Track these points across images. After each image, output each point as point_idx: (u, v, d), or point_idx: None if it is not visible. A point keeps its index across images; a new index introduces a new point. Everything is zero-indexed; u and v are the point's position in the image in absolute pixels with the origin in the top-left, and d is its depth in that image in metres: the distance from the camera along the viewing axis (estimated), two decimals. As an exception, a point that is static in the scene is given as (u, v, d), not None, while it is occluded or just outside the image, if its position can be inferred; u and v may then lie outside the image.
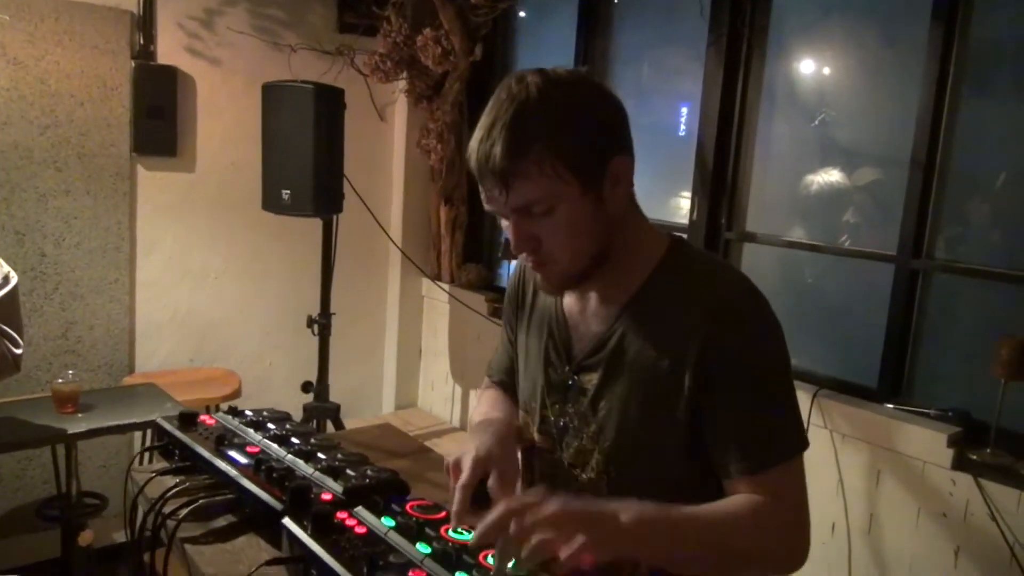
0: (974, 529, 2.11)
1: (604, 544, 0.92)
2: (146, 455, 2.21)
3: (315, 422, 3.24)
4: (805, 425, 1.11)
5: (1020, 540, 2.01)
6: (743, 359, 1.06)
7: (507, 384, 1.38)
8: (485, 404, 1.37)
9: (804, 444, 1.08)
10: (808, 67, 2.75)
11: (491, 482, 1.09)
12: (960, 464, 2.14)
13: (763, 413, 1.06)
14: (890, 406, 2.36)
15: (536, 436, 1.24)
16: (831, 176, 2.68)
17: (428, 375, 4.11)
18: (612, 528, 0.93)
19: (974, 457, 2.12)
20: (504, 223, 1.09)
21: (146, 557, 1.08)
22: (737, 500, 1.05)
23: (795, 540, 1.06)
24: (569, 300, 1.22)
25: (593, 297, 1.18)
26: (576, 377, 1.17)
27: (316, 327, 3.27)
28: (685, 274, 1.12)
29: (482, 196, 1.08)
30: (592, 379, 1.15)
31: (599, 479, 1.15)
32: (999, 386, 2.08)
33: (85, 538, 2.67)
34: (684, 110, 3.13)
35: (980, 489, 2.09)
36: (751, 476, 1.04)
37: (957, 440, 2.17)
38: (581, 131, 1.04)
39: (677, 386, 1.07)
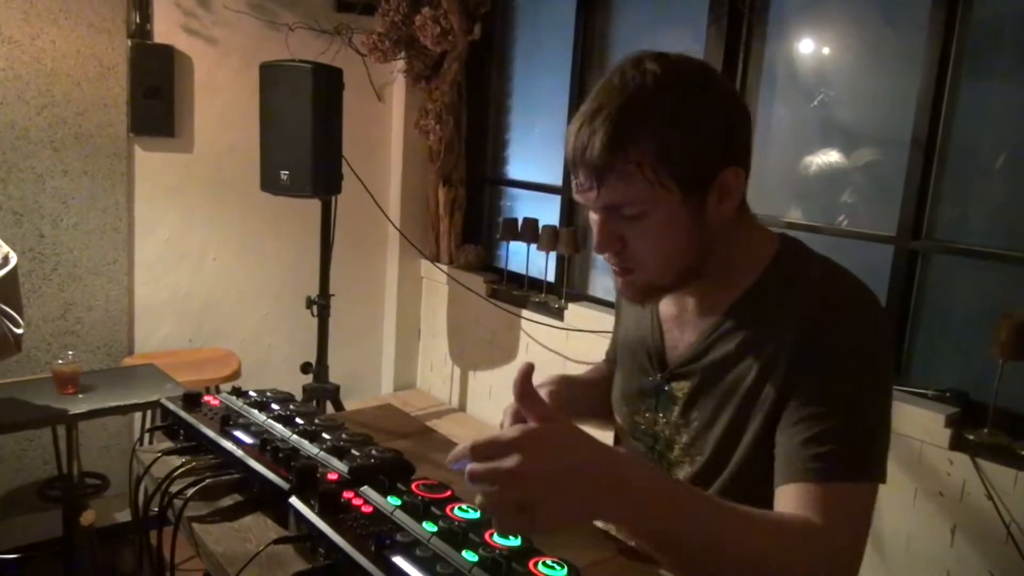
0: (971, 508, 2.13)
1: (578, 512, 0.78)
2: (149, 436, 2.23)
3: (315, 403, 3.25)
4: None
5: (1016, 519, 2.04)
6: (835, 364, 0.94)
7: (614, 363, 1.31)
8: (588, 371, 1.37)
9: (880, 474, 0.96)
10: (808, 47, 2.74)
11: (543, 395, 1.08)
12: (957, 444, 2.15)
13: (843, 425, 0.93)
14: (888, 386, 2.37)
15: (630, 437, 1.19)
16: (830, 157, 2.68)
17: (427, 356, 4.12)
18: (595, 489, 0.78)
19: (971, 437, 2.14)
20: (592, 216, 1.01)
21: (152, 538, 1.09)
22: (792, 513, 0.91)
23: (841, 565, 0.91)
24: (665, 304, 1.15)
25: (691, 304, 1.10)
26: (668, 385, 1.11)
27: (315, 308, 3.28)
28: (790, 282, 1.02)
29: (572, 185, 1.00)
30: (684, 387, 1.08)
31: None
32: (997, 366, 2.09)
33: (87, 518, 2.68)
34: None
35: (977, 469, 2.11)
36: (809, 484, 0.91)
37: (955, 420, 2.19)
38: (693, 135, 0.94)
39: (770, 399, 0.97)
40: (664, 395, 1.11)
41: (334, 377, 3.36)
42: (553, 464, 0.76)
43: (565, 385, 1.23)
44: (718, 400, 1.04)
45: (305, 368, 3.30)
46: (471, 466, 0.77)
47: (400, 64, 3.64)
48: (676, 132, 0.93)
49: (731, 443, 1.02)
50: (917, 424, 2.23)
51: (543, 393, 1.17)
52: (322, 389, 3.28)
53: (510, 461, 0.75)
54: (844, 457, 0.92)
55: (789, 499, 0.92)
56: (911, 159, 2.38)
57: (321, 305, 3.27)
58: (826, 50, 2.72)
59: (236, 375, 3.15)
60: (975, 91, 2.30)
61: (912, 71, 2.37)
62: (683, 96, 0.94)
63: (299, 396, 3.18)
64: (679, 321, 1.12)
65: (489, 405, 3.68)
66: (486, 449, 0.77)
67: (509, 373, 3.58)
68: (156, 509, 1.08)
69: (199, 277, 3.55)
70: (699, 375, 1.06)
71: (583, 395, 1.29)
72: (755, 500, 0.92)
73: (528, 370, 0.82)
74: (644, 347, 1.17)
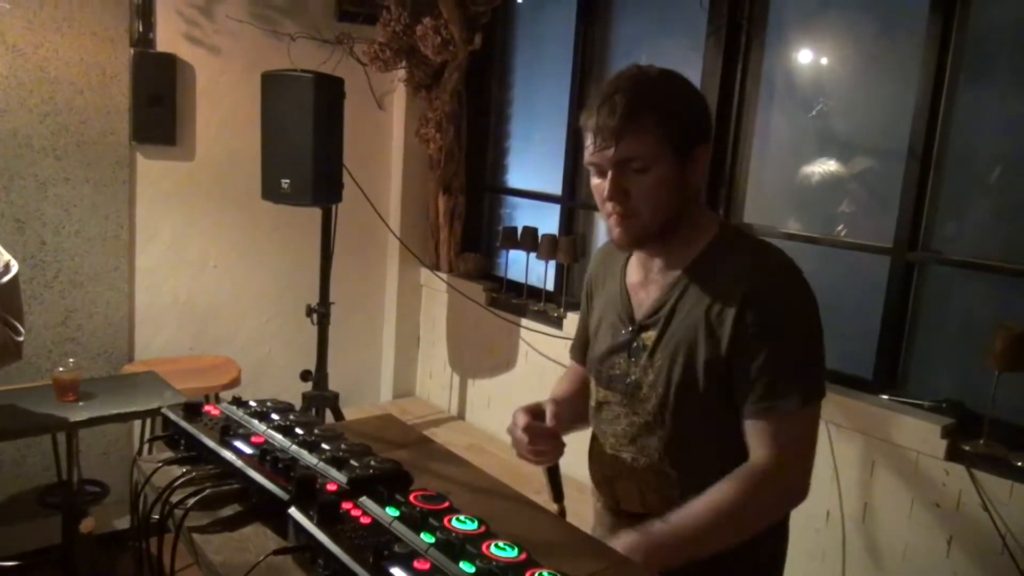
0: (967, 519, 2.14)
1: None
2: (149, 445, 2.24)
3: (314, 410, 3.26)
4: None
5: (1012, 530, 2.04)
6: (776, 315, 1.25)
7: (582, 360, 1.59)
8: (562, 381, 1.65)
9: (820, 392, 1.29)
10: (806, 57, 2.76)
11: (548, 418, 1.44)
12: (953, 455, 2.17)
13: (785, 361, 1.25)
14: (885, 397, 2.39)
15: (605, 392, 1.45)
16: (828, 167, 2.69)
17: (426, 364, 4.13)
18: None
19: (967, 448, 2.15)
20: (596, 181, 1.30)
21: (152, 547, 1.10)
22: (737, 482, 1.25)
23: (795, 492, 1.29)
24: (632, 276, 1.43)
25: (655, 266, 1.38)
26: (639, 336, 1.37)
27: (315, 316, 3.29)
28: (736, 248, 1.33)
29: (587, 154, 1.29)
30: (651, 335, 1.35)
31: (655, 426, 1.35)
32: (993, 377, 2.10)
33: (86, 525, 2.69)
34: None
35: (973, 479, 2.12)
36: (764, 417, 1.25)
37: (951, 431, 2.20)
38: (686, 115, 1.28)
39: (717, 339, 1.26)
40: (636, 345, 1.38)
41: (333, 385, 3.37)
42: None
43: (557, 406, 1.49)
44: (676, 343, 1.32)
45: (305, 376, 3.31)
46: None
47: (401, 73, 3.66)
48: (675, 109, 1.26)
49: (687, 377, 1.30)
50: (914, 434, 2.24)
51: (549, 416, 1.47)
52: (321, 397, 3.29)
53: None
54: (790, 386, 1.25)
55: (750, 432, 1.27)
56: (908, 170, 2.40)
57: (321, 313, 3.28)
58: (824, 61, 2.74)
59: (236, 382, 3.16)
60: (971, 102, 2.32)
61: (909, 82, 2.39)
62: (678, 86, 1.31)
63: (298, 403, 3.22)
64: (644, 283, 1.40)
65: (488, 413, 3.69)
66: None
67: (508, 381, 3.59)
68: (156, 517, 1.09)
69: (199, 284, 3.56)
70: (662, 323, 1.34)
71: (569, 411, 1.53)
72: (702, 414, 1.30)
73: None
74: (615, 311, 1.44)
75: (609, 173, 1.27)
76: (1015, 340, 2.05)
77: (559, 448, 1.45)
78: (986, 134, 2.33)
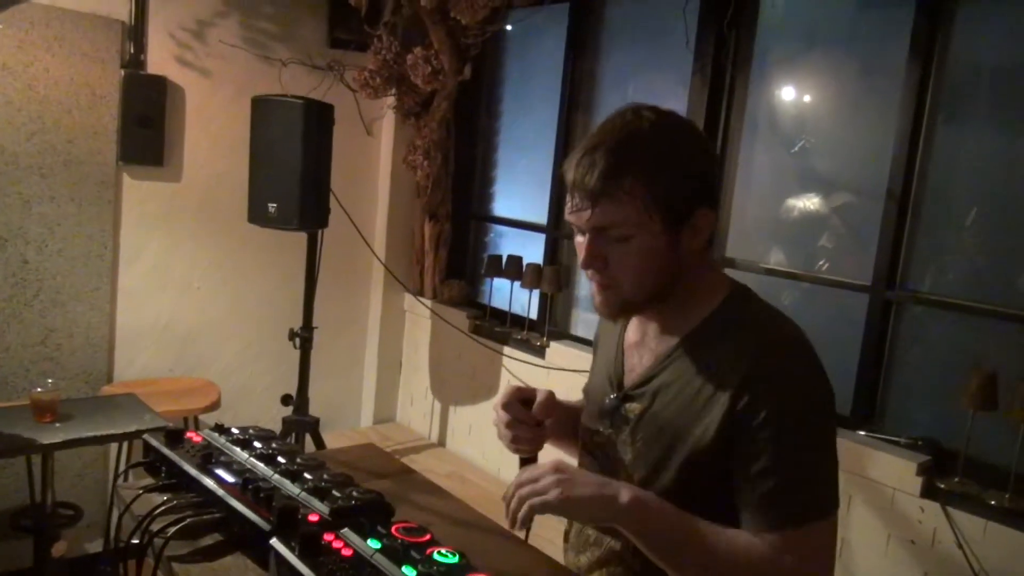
0: (942, 556, 2.15)
1: (577, 504, 1.04)
2: (124, 474, 2.22)
3: (294, 436, 3.24)
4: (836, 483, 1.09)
5: (985, 568, 2.06)
6: (779, 408, 1.04)
7: None
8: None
9: (834, 505, 1.07)
10: (789, 96, 2.82)
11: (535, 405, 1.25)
12: (929, 492, 2.19)
13: (792, 467, 1.04)
14: (862, 433, 2.41)
15: (586, 459, 1.31)
16: (810, 203, 2.74)
17: (408, 390, 4.12)
18: (598, 498, 1.04)
19: (942, 486, 2.17)
20: (577, 239, 1.16)
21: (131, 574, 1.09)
22: (758, 542, 1.04)
23: None
24: (631, 333, 1.27)
25: (651, 332, 1.22)
26: (624, 405, 1.22)
27: (298, 340, 3.28)
28: (739, 321, 1.15)
29: (566, 208, 1.14)
30: (635, 409, 1.20)
31: None
32: (968, 416, 2.13)
33: (58, 549, 2.65)
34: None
35: (948, 517, 2.14)
36: (771, 532, 1.03)
37: (926, 469, 2.22)
38: (679, 174, 1.09)
39: (704, 429, 1.08)
40: (619, 415, 1.22)
41: (314, 409, 3.35)
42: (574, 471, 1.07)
43: (550, 399, 1.31)
44: (659, 427, 1.15)
45: (285, 400, 3.29)
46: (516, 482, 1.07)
47: (390, 100, 3.69)
48: (665, 171, 1.08)
49: (669, 465, 1.13)
50: (890, 471, 2.26)
51: (538, 404, 1.28)
52: (302, 422, 3.27)
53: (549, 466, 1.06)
54: (801, 500, 1.04)
55: (756, 535, 1.05)
56: (886, 209, 2.44)
57: (304, 337, 3.28)
58: (806, 99, 2.80)
59: (216, 405, 3.14)
60: (949, 144, 2.37)
61: (888, 122, 2.45)
62: (673, 142, 1.11)
63: (278, 428, 3.20)
64: (639, 347, 1.24)
65: (469, 441, 3.68)
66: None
67: (489, 409, 3.57)
68: (135, 541, 1.09)
69: (182, 306, 3.55)
70: (648, 398, 1.18)
71: (567, 415, 1.38)
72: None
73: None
74: (608, 371, 1.29)
75: (586, 237, 1.13)
76: (988, 380, 2.09)
77: (539, 440, 1.27)
78: (963, 175, 2.38)
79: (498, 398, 1.27)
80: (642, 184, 1.07)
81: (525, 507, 1.04)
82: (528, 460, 1.28)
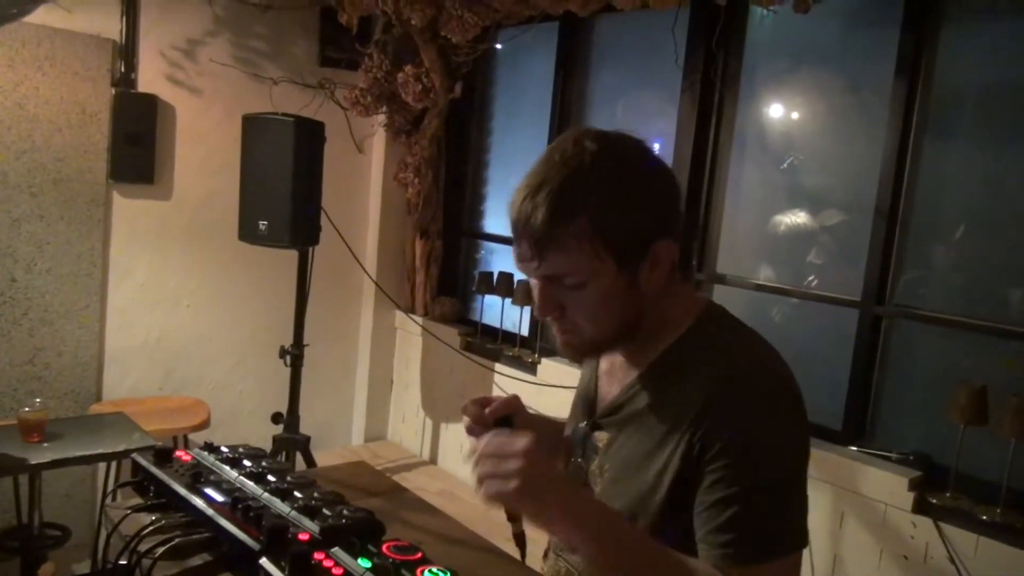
0: (934, 572, 2.15)
1: (533, 502, 0.94)
2: (113, 493, 2.19)
3: (284, 454, 3.22)
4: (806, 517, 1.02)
5: (978, 583, 2.06)
6: (736, 439, 0.97)
7: None
8: None
9: (801, 543, 0.99)
10: (777, 113, 2.84)
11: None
12: (921, 508, 2.19)
13: (750, 502, 0.96)
14: (854, 449, 2.42)
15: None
16: (799, 220, 2.75)
17: (399, 408, 4.10)
18: (553, 497, 0.95)
19: (934, 501, 2.18)
20: (532, 281, 1.06)
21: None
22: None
23: None
24: (603, 360, 1.21)
25: (619, 361, 1.16)
26: (593, 435, 1.16)
27: (288, 357, 3.27)
28: (705, 345, 1.07)
29: (513, 254, 1.05)
30: (604, 438, 1.14)
31: None
32: (958, 431, 2.14)
33: (45, 570, 2.61)
34: (656, 147, 3.20)
35: (940, 532, 2.14)
36: (731, 567, 0.95)
37: (918, 484, 2.23)
38: (629, 212, 0.99)
39: (666, 460, 1.02)
40: (589, 444, 1.17)
41: (305, 428, 3.34)
42: (540, 464, 0.94)
43: (532, 419, 1.26)
44: (623, 457, 1.09)
45: (276, 418, 3.28)
46: (485, 442, 0.96)
47: (381, 118, 3.70)
48: (613, 209, 0.98)
49: (633, 495, 1.06)
50: (881, 487, 2.26)
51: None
52: (292, 440, 3.25)
53: (515, 458, 0.93)
54: (762, 539, 0.96)
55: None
56: (875, 225, 2.46)
57: (294, 355, 3.27)
58: (794, 116, 2.82)
59: (205, 424, 3.12)
60: (936, 160, 2.39)
61: (876, 139, 2.47)
62: (619, 175, 1.00)
63: (269, 446, 3.18)
64: (610, 374, 1.18)
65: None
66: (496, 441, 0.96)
67: (481, 426, 3.56)
68: (123, 562, 1.08)
69: (172, 324, 3.53)
70: (615, 427, 1.12)
71: (551, 431, 1.31)
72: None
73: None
74: (583, 397, 1.24)
75: (538, 286, 1.04)
76: (978, 395, 2.09)
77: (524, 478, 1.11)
78: (950, 192, 2.40)
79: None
80: (591, 227, 0.97)
81: (484, 490, 0.94)
82: None
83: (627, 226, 0.99)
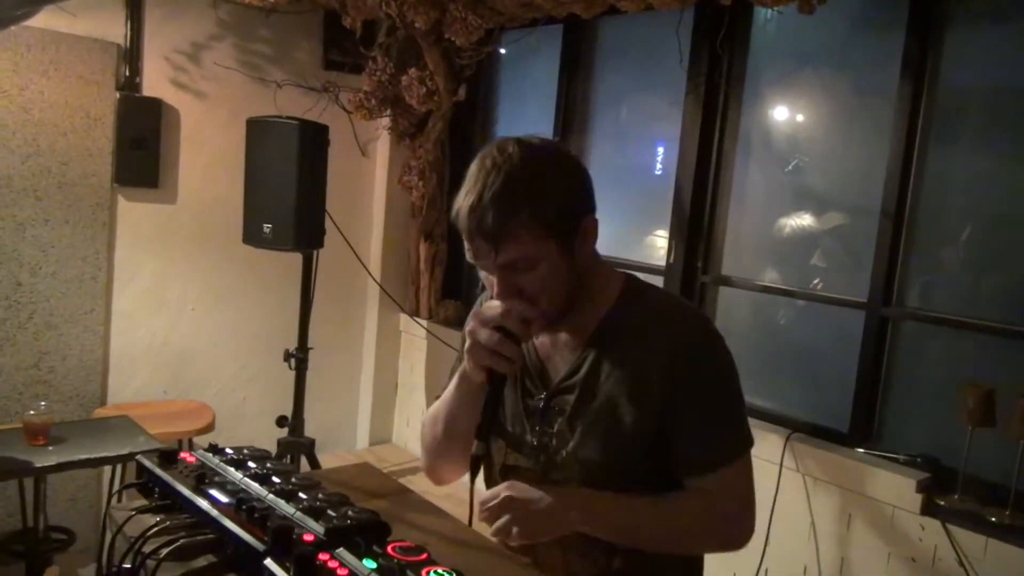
0: (943, 574, 2.14)
1: (534, 529, 1.22)
2: (119, 494, 2.19)
3: (289, 457, 3.22)
4: (751, 431, 1.31)
5: (987, 586, 2.05)
6: (704, 383, 1.26)
7: None
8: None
9: (749, 443, 1.29)
10: (782, 115, 2.83)
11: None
12: (929, 510, 2.18)
13: (716, 425, 1.26)
14: (861, 451, 2.40)
15: (515, 456, 1.38)
16: (804, 222, 2.75)
17: (404, 411, 4.09)
18: (551, 517, 1.22)
19: (942, 503, 2.16)
20: (483, 274, 1.26)
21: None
22: (690, 492, 1.26)
23: (738, 523, 1.28)
24: (540, 340, 1.37)
25: (562, 332, 1.33)
26: (553, 400, 1.32)
27: (293, 361, 3.26)
28: (644, 309, 1.30)
29: (468, 253, 1.23)
30: (568, 400, 1.30)
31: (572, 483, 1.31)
32: (966, 433, 2.13)
33: (51, 574, 2.61)
34: (660, 149, 3.21)
35: (948, 535, 2.12)
36: (703, 476, 1.25)
37: (926, 486, 2.21)
38: (559, 198, 1.21)
39: (647, 405, 1.24)
40: (550, 410, 1.33)
41: (309, 431, 3.33)
42: (522, 497, 1.24)
43: None
44: (599, 406, 1.28)
45: (281, 422, 3.27)
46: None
47: (385, 121, 3.70)
48: (548, 197, 1.20)
49: (615, 441, 1.26)
50: (889, 489, 2.25)
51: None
52: (297, 443, 3.25)
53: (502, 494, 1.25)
54: (725, 447, 1.27)
55: (696, 489, 1.26)
56: (881, 227, 2.45)
57: (299, 358, 3.26)
58: (799, 118, 2.81)
59: (210, 428, 3.12)
60: (941, 162, 2.38)
61: (881, 141, 2.46)
62: (544, 171, 1.21)
63: (274, 450, 3.17)
64: (555, 347, 1.35)
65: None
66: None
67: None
68: (128, 566, 1.07)
69: (176, 328, 3.53)
70: (578, 388, 1.29)
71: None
72: (631, 474, 1.26)
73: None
74: (527, 374, 1.37)
75: (496, 276, 1.22)
76: (986, 397, 2.08)
77: (517, 358, 1.25)
78: (956, 193, 2.39)
79: (490, 311, 1.25)
80: (532, 216, 1.17)
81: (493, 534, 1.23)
82: (501, 382, 1.27)
83: (560, 209, 1.21)
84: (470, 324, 1.31)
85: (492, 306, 1.26)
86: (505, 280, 1.22)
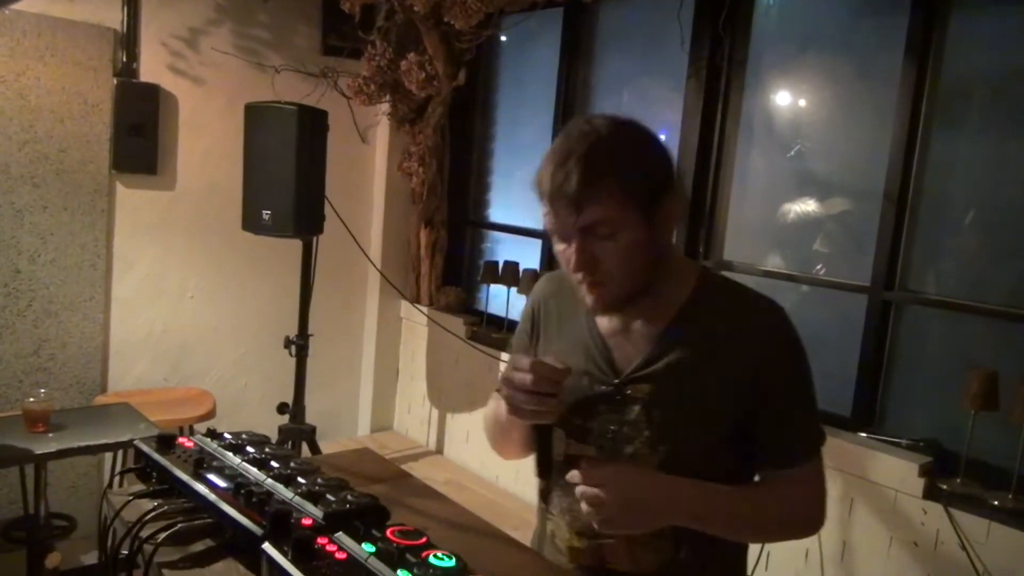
0: (944, 558, 2.13)
1: (627, 526, 1.19)
2: (120, 478, 2.19)
3: (290, 444, 3.22)
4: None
5: (989, 569, 2.04)
6: (791, 378, 1.26)
7: None
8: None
9: (825, 437, 1.30)
10: (784, 99, 2.81)
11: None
12: (931, 494, 2.17)
13: (805, 418, 1.27)
14: (863, 435, 2.39)
15: (579, 446, 1.32)
16: (806, 206, 2.73)
17: (405, 398, 4.09)
18: (637, 516, 1.18)
19: (944, 487, 2.15)
20: (560, 247, 1.22)
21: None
22: (776, 483, 1.27)
23: (820, 514, 1.29)
24: (605, 323, 1.33)
25: (636, 317, 1.30)
26: (625, 388, 1.27)
27: (293, 348, 3.26)
28: (726, 297, 1.30)
29: (547, 221, 1.21)
30: (644, 389, 1.26)
31: None
32: (969, 417, 2.12)
33: (52, 560, 2.61)
34: (662, 135, 3.18)
35: (950, 518, 2.12)
36: (791, 468, 1.25)
37: (928, 470, 2.20)
38: (644, 167, 1.20)
39: (735, 396, 1.23)
40: (621, 398, 1.28)
41: (310, 418, 3.33)
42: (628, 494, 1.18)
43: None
44: (679, 399, 1.25)
45: (281, 408, 3.27)
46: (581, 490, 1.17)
47: (385, 107, 3.68)
48: (634, 168, 1.18)
49: (698, 435, 1.24)
50: (891, 473, 2.24)
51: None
52: (298, 430, 3.24)
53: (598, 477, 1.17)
54: (808, 442, 1.28)
55: (777, 480, 1.26)
56: (884, 211, 2.43)
57: (300, 345, 3.26)
58: (802, 103, 2.79)
59: (211, 415, 3.12)
60: (945, 146, 2.37)
61: (884, 125, 2.44)
62: (632, 141, 1.21)
63: (274, 437, 3.17)
64: (626, 334, 1.31)
65: (467, 448, 3.66)
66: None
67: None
68: (125, 552, 1.07)
69: (176, 315, 3.52)
70: (658, 378, 1.26)
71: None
72: (709, 466, 1.23)
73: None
74: (587, 358, 1.32)
75: (575, 242, 1.19)
76: (989, 380, 2.07)
77: (556, 410, 1.24)
78: (959, 177, 2.37)
79: (512, 366, 1.22)
80: (617, 183, 1.16)
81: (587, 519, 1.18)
82: (547, 430, 1.31)
83: (646, 183, 1.19)
84: (503, 384, 1.24)
85: (521, 367, 1.19)
86: (583, 247, 1.18)
